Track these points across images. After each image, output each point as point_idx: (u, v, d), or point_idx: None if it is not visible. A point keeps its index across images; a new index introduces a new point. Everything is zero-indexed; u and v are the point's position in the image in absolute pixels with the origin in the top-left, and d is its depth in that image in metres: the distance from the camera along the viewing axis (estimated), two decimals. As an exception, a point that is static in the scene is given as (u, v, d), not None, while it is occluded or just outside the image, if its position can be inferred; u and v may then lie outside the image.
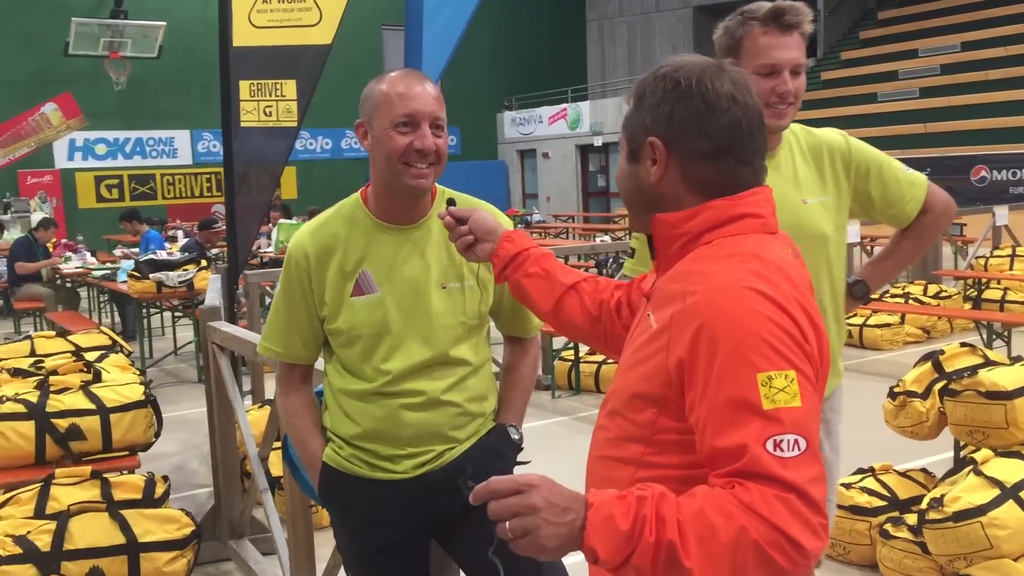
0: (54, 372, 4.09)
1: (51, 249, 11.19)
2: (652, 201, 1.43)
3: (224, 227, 5.71)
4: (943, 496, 3.29)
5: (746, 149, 1.41)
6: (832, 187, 2.40)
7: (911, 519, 3.46)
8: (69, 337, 5.19)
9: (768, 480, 1.18)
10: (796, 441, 1.19)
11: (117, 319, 10.23)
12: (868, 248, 12.01)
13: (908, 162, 2.38)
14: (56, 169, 20.97)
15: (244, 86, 5.43)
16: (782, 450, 1.19)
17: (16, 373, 4.20)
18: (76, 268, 10.24)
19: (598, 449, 1.47)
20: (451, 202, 1.99)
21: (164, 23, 18.37)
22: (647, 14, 26.98)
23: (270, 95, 5.46)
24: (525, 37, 26.75)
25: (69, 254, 11.06)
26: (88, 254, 11.08)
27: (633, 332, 1.47)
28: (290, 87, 5.41)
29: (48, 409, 3.69)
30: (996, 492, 3.21)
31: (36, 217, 14.56)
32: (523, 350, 2.29)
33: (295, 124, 5.37)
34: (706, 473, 1.26)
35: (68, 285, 10.88)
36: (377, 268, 2.01)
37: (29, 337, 5.15)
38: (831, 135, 2.45)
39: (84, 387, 3.84)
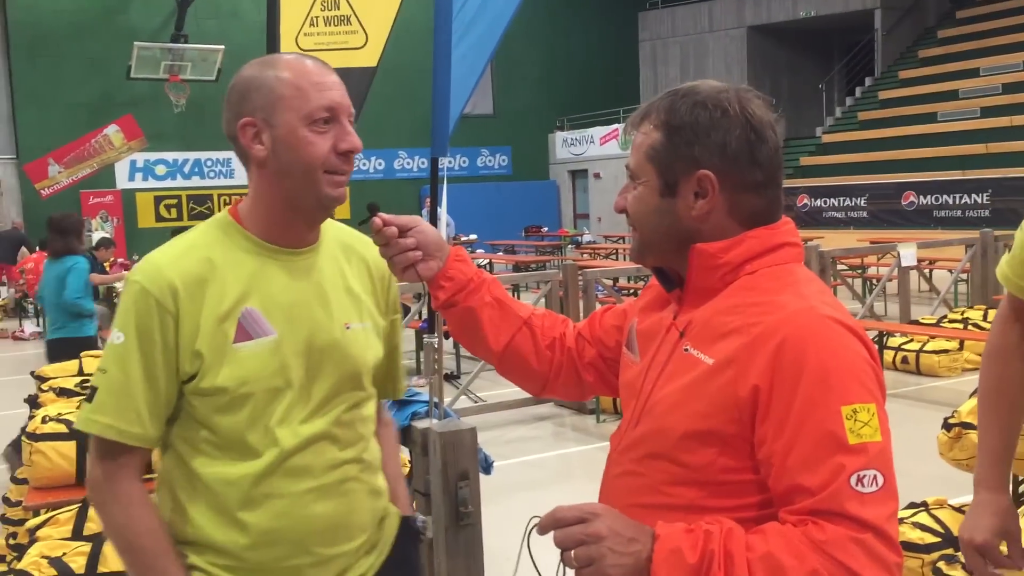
0: (98, 392, 4.14)
1: (108, 268, 11.42)
2: (689, 236, 1.35)
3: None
4: (999, 534, 3.15)
5: (782, 176, 1.38)
6: None
7: (966, 557, 3.32)
8: (117, 356, 5.25)
9: (845, 519, 1.15)
10: (875, 477, 1.17)
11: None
12: (927, 272, 11.72)
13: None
14: (117, 189, 21.49)
15: (291, 108, 5.49)
16: (864, 486, 1.16)
17: (61, 393, 4.26)
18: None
19: (631, 497, 1.37)
20: (374, 208, 1.59)
21: (223, 47, 18.76)
22: (700, 34, 26.84)
23: (316, 117, 5.51)
24: (577, 58, 26.79)
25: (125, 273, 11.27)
26: (143, 273, 11.28)
27: (662, 371, 1.37)
28: (336, 109, 5.46)
29: (89, 429, 3.72)
30: (1056, 531, 3.07)
31: (96, 236, 14.89)
32: (384, 411, 1.90)
33: (340, 146, 5.41)
34: (767, 515, 1.22)
35: (123, 303, 11.07)
36: (268, 304, 1.56)
37: (78, 356, 5.23)
38: None
39: (126, 407, 3.87)
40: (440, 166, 2.91)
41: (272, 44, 5.36)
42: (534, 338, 1.61)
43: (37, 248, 14.25)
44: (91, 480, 1.57)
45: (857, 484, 1.16)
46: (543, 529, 1.21)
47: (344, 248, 1.72)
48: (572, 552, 1.18)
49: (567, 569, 1.22)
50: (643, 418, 1.39)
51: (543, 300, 7.60)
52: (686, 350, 1.33)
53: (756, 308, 1.27)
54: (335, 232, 1.73)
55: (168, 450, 1.59)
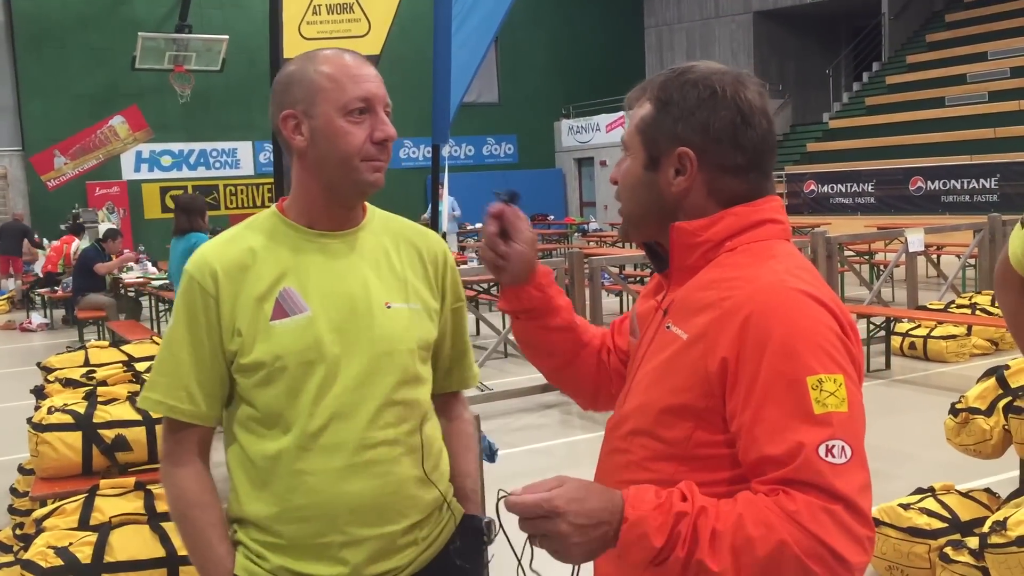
0: (104, 383, 4.15)
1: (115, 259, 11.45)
2: (669, 212, 1.38)
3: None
4: (1007, 519, 3.14)
5: (769, 163, 1.38)
6: None
7: (972, 543, 3.31)
8: (123, 347, 5.27)
9: (816, 489, 1.15)
10: (844, 448, 1.17)
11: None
12: (934, 258, 11.67)
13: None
14: (123, 180, 21.53)
15: (294, 97, 5.47)
16: (833, 456, 1.16)
17: (67, 383, 4.27)
18: (137, 278, 10.44)
19: (617, 474, 1.40)
20: (515, 196, 1.56)
21: (226, 37, 18.73)
22: (706, 20, 26.71)
23: (319, 106, 5.49)
24: (582, 45, 26.69)
25: (132, 264, 11.29)
26: (149, 264, 11.30)
27: (648, 348, 1.41)
28: (339, 98, 5.44)
29: (95, 420, 3.73)
30: (1064, 516, 3.06)
31: (103, 227, 14.91)
32: (462, 408, 1.89)
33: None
34: (742, 489, 1.23)
35: (130, 295, 11.10)
36: (304, 283, 1.62)
37: (84, 347, 5.24)
38: None
39: (131, 398, 3.87)
40: (443, 154, 2.89)
41: (275, 33, 5.33)
42: (589, 360, 1.63)
43: (63, 237, 14.28)
44: (160, 454, 1.70)
45: (827, 455, 1.16)
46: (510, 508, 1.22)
47: (393, 234, 1.76)
48: (537, 540, 1.20)
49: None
50: (629, 396, 1.42)
51: (549, 288, 7.57)
52: (667, 327, 1.36)
53: (728, 283, 1.29)
54: (385, 220, 1.77)
55: (227, 430, 1.69)
